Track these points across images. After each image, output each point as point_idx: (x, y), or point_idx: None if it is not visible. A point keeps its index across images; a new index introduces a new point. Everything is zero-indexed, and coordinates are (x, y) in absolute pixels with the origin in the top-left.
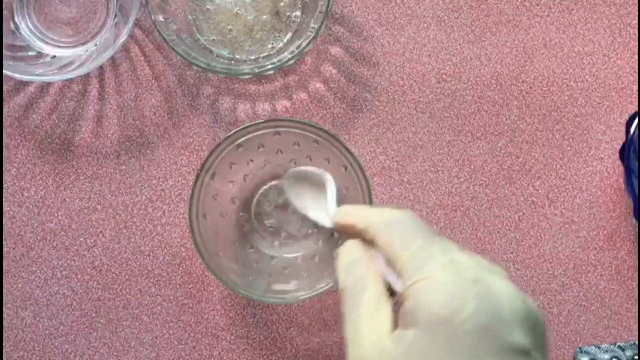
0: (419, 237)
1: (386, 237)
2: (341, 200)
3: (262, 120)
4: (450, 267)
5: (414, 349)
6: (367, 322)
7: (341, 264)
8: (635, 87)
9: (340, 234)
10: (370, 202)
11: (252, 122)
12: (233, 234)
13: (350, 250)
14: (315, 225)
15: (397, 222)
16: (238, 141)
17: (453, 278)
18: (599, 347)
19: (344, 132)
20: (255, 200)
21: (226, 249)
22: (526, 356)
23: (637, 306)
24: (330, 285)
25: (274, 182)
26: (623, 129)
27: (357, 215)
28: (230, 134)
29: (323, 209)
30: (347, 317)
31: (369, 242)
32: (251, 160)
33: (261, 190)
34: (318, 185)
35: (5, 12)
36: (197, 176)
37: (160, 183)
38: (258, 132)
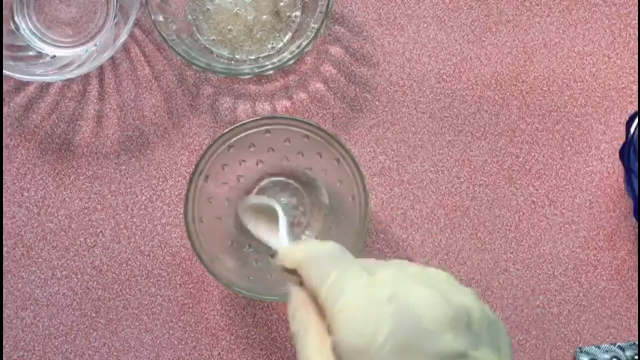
0: (335, 268)
1: (306, 275)
2: (335, 194)
3: (250, 120)
4: (364, 291)
5: None
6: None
7: (289, 311)
8: (635, 87)
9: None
10: (365, 193)
11: (241, 122)
12: (231, 235)
13: (292, 297)
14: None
15: (315, 257)
16: (228, 142)
17: (366, 303)
18: (599, 347)
19: (344, 132)
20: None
21: (225, 250)
22: (462, 359)
23: (637, 306)
24: None
25: (268, 180)
26: (623, 129)
27: (289, 257)
28: (219, 135)
29: (276, 237)
30: (299, 355)
31: None
32: (243, 161)
33: (255, 190)
34: (270, 215)
35: (5, 12)
36: (191, 180)
37: (160, 183)
38: (248, 132)
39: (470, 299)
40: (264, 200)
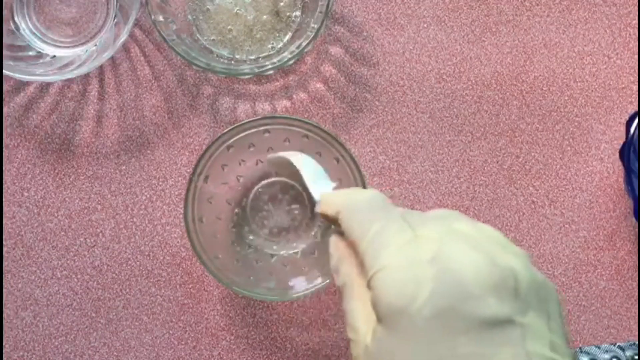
0: (377, 220)
1: (347, 225)
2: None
3: (250, 120)
4: (406, 249)
5: (383, 346)
6: (358, 318)
7: (331, 263)
8: (635, 87)
9: (326, 222)
10: None
11: (240, 122)
12: (231, 235)
13: (333, 249)
14: (311, 211)
15: (357, 206)
16: (228, 142)
17: (408, 262)
18: (599, 347)
19: (344, 132)
20: (250, 199)
21: (225, 250)
22: (509, 325)
23: (637, 306)
24: (330, 280)
25: (267, 181)
26: (623, 129)
27: (329, 203)
28: (219, 135)
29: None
30: (345, 315)
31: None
32: (243, 161)
33: (255, 189)
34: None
35: (5, 12)
36: (190, 180)
37: (160, 183)
38: (247, 132)
39: (520, 261)
40: (284, 154)
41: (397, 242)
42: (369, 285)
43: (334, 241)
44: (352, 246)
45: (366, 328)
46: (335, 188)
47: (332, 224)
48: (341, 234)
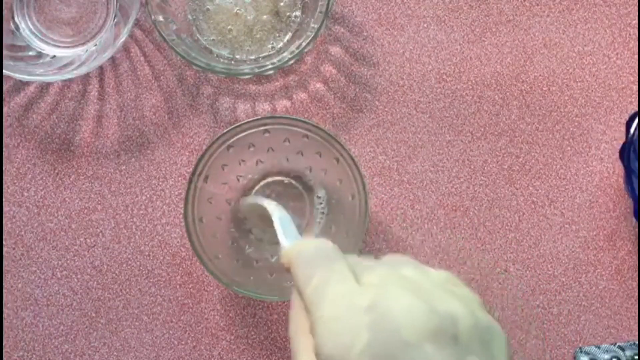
0: (320, 271)
1: (294, 276)
2: (335, 192)
3: (249, 120)
4: (343, 299)
5: None
6: None
7: (290, 312)
8: (635, 87)
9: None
10: (365, 192)
11: (240, 122)
12: (231, 235)
13: (293, 298)
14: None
15: (301, 258)
16: (228, 142)
17: (344, 312)
18: (599, 347)
19: (344, 132)
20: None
21: (225, 250)
22: None
23: (637, 306)
24: None
25: (267, 181)
26: (623, 129)
27: (284, 256)
28: (218, 135)
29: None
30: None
31: None
32: (243, 161)
33: (255, 190)
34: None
35: (5, 12)
36: (190, 180)
37: (160, 183)
38: (247, 132)
39: (463, 307)
40: (257, 200)
41: (336, 291)
42: (312, 334)
43: (294, 292)
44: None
45: None
46: (333, 193)
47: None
48: None
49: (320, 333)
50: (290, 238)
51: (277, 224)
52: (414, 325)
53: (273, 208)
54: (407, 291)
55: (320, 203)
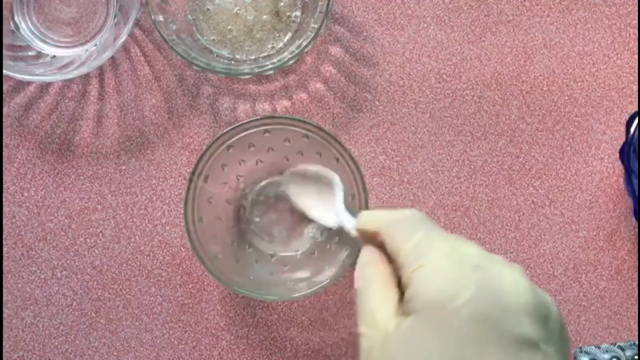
0: (421, 230)
1: (390, 234)
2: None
3: (249, 120)
4: (451, 254)
5: (411, 335)
6: (378, 313)
7: (356, 271)
8: (635, 87)
9: (360, 238)
10: (365, 192)
11: (240, 122)
12: (231, 235)
13: (363, 256)
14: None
15: (402, 219)
16: (228, 142)
17: (452, 264)
18: (599, 347)
19: (344, 132)
20: (250, 200)
21: (225, 250)
22: (534, 348)
23: (637, 306)
24: (330, 280)
25: (267, 181)
26: (623, 129)
27: (371, 219)
28: (218, 135)
29: (328, 209)
30: (362, 311)
31: (381, 245)
32: (243, 161)
33: (255, 190)
34: (322, 185)
35: (5, 12)
36: (190, 180)
37: (160, 183)
38: (247, 132)
39: (549, 298)
40: (319, 168)
41: (442, 247)
42: (406, 282)
43: (367, 250)
44: (390, 255)
45: (386, 322)
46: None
47: (366, 241)
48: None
49: (424, 278)
50: (347, 210)
51: (339, 193)
52: (518, 295)
53: (337, 181)
54: (508, 267)
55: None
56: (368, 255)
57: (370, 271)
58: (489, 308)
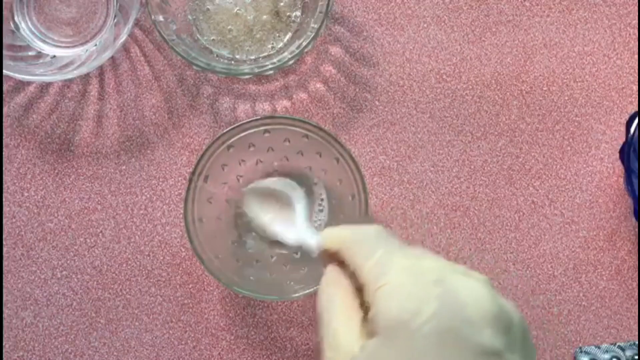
0: (381, 248)
1: (351, 253)
2: (335, 193)
3: (249, 120)
4: (411, 270)
5: (376, 358)
6: (342, 336)
7: (319, 290)
8: (635, 87)
9: (321, 257)
10: (365, 192)
11: (240, 122)
12: (231, 235)
13: (326, 275)
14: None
15: (363, 237)
16: (228, 142)
17: (412, 280)
18: (599, 347)
19: (344, 132)
20: None
21: (225, 250)
22: (498, 358)
23: (637, 306)
24: None
25: (267, 181)
26: (623, 129)
27: (333, 237)
28: (218, 135)
29: (289, 226)
30: (326, 336)
31: (344, 264)
32: (243, 161)
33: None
34: (284, 202)
35: (5, 12)
36: (190, 180)
37: (160, 183)
38: (247, 132)
39: (510, 304)
40: (278, 183)
41: (402, 264)
42: (369, 301)
43: (329, 268)
44: (352, 274)
45: (351, 345)
46: (333, 193)
47: (328, 261)
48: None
49: (386, 297)
50: (309, 226)
51: (300, 210)
52: (479, 306)
53: (298, 195)
54: (469, 277)
55: (320, 203)
56: (330, 276)
57: (333, 292)
58: (451, 322)
